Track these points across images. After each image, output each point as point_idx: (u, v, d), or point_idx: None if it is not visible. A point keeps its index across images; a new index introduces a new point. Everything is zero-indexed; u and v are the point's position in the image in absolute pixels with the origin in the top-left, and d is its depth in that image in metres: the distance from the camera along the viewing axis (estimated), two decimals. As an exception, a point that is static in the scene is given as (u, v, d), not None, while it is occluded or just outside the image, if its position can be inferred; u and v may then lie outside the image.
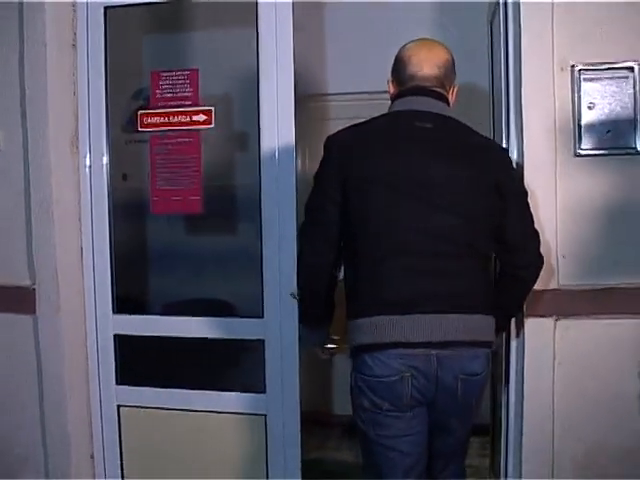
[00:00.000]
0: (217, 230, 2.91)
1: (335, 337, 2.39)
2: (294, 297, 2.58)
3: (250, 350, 2.77)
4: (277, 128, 2.63)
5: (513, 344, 2.46)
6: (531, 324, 2.38)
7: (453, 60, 2.20)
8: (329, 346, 2.39)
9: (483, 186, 2.09)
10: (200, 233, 2.93)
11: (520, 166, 2.38)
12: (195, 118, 2.70)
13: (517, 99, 2.39)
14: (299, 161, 6.77)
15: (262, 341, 2.71)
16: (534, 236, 2.18)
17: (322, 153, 2.12)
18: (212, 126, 2.70)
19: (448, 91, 2.19)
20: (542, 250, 2.19)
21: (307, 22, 4.14)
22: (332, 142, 2.12)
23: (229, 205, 2.84)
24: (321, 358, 2.45)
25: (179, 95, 2.71)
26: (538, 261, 2.18)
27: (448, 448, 2.22)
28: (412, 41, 2.22)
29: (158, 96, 2.74)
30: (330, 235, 2.10)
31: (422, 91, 2.15)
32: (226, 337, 2.75)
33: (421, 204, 2.05)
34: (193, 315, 2.80)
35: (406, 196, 2.05)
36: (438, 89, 2.16)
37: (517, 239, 2.14)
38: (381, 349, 2.02)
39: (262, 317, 2.70)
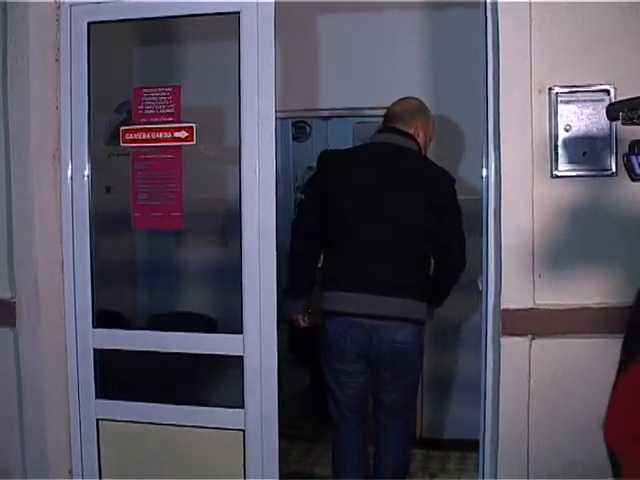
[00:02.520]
0: (198, 245, 2.98)
1: (311, 310, 3.27)
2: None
3: (229, 365, 2.82)
4: (258, 143, 2.69)
5: (489, 363, 2.54)
6: (507, 343, 2.45)
7: (421, 108, 3.20)
8: (306, 317, 3.26)
9: (424, 204, 2.99)
10: (181, 248, 3.01)
11: (498, 184, 2.49)
12: (177, 135, 2.76)
13: (495, 121, 2.48)
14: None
15: (241, 357, 2.77)
16: (461, 243, 3.04)
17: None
18: (193, 143, 2.76)
19: (412, 127, 3.13)
20: (519, 269, 2.38)
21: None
22: (320, 158, 3.16)
23: (210, 221, 2.90)
24: (301, 325, 3.29)
25: (161, 112, 2.78)
26: (463, 262, 3.05)
27: (391, 401, 3.12)
28: None
29: (140, 112, 2.80)
30: (319, 225, 3.06)
31: (391, 130, 3.14)
32: (205, 352, 2.80)
33: (373, 213, 2.99)
34: (172, 329, 2.85)
35: (362, 206, 3.00)
36: (402, 127, 3.11)
37: (448, 244, 3.04)
38: (333, 315, 3.04)
39: (241, 333, 2.76)
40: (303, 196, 3.25)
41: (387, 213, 2.99)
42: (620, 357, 1.20)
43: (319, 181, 3.13)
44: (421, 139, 3.18)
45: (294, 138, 9.15)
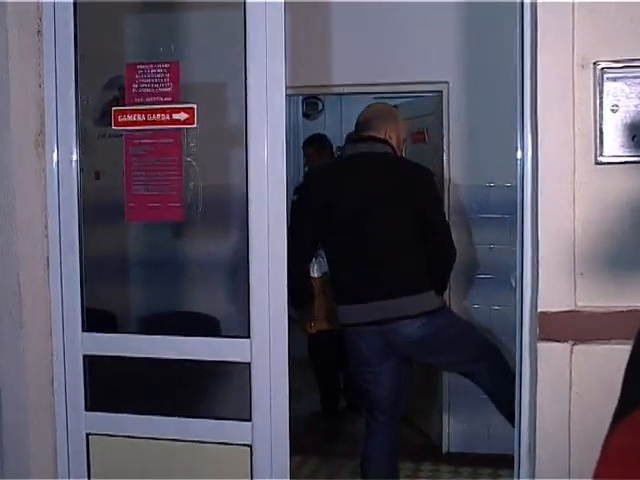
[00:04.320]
0: (200, 238, 2.99)
1: (317, 318, 4.20)
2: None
3: (235, 373, 2.84)
4: (266, 123, 2.68)
5: (525, 371, 2.54)
6: (544, 349, 2.45)
7: (389, 111, 3.89)
8: (312, 324, 4.22)
9: (408, 203, 3.56)
10: (181, 242, 3.02)
11: (534, 173, 2.49)
12: (175, 116, 2.76)
13: (532, 100, 2.47)
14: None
15: (248, 364, 2.77)
16: (448, 235, 3.66)
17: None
18: (194, 125, 2.76)
19: (381, 130, 3.72)
20: (559, 267, 2.42)
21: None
22: (306, 175, 3.94)
23: (214, 211, 2.90)
24: (309, 331, 4.33)
25: (158, 91, 2.78)
26: (453, 253, 3.67)
27: (453, 370, 4.11)
28: None
29: (134, 91, 2.81)
30: (306, 243, 3.70)
31: (358, 139, 3.80)
32: (208, 359, 2.81)
33: (361, 223, 3.56)
34: (173, 332, 2.87)
35: (355, 217, 3.58)
36: (370, 133, 3.72)
37: (439, 240, 3.61)
38: (346, 327, 3.71)
39: (248, 337, 2.76)
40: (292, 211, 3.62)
41: (376, 218, 3.58)
42: (619, 399, 1.13)
43: (307, 200, 3.74)
44: (394, 141, 3.76)
45: (305, 115, 9.17)
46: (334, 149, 6.49)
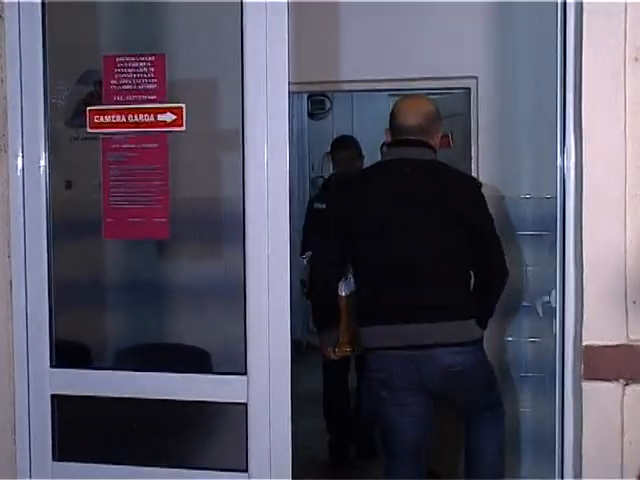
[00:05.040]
0: (189, 259, 2.98)
1: (341, 341, 4.12)
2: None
3: (229, 416, 2.84)
4: (266, 125, 2.69)
5: (567, 415, 2.53)
6: (591, 389, 2.44)
7: (438, 111, 3.85)
8: (343, 349, 4.14)
9: (456, 217, 3.59)
10: (167, 263, 3.02)
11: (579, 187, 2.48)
12: (161, 118, 2.77)
13: (576, 99, 2.48)
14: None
15: (244, 405, 2.76)
16: (501, 254, 3.65)
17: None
18: (182, 128, 2.76)
19: (432, 137, 3.76)
20: (607, 293, 2.42)
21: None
22: (339, 182, 4.18)
23: (205, 228, 2.90)
24: (331, 357, 4.20)
25: (140, 87, 2.78)
26: (505, 274, 3.68)
27: (466, 410, 3.84)
28: (401, 97, 4.03)
29: (113, 87, 2.81)
30: (335, 258, 3.75)
31: (406, 142, 3.74)
32: (197, 399, 2.80)
33: (403, 238, 3.59)
34: (156, 368, 2.86)
35: (390, 232, 3.61)
36: (420, 137, 3.72)
37: (488, 258, 3.65)
38: (375, 351, 3.66)
39: (245, 374, 2.76)
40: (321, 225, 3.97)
41: (419, 234, 3.62)
42: None
43: (338, 210, 3.77)
44: (436, 143, 3.81)
45: (310, 115, 9.19)
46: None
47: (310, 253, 4.72)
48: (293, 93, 3.71)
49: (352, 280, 4.12)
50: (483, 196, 3.71)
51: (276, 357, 2.75)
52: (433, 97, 5.47)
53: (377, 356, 3.67)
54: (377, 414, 3.79)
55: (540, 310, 3.47)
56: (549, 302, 3.39)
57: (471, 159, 4.75)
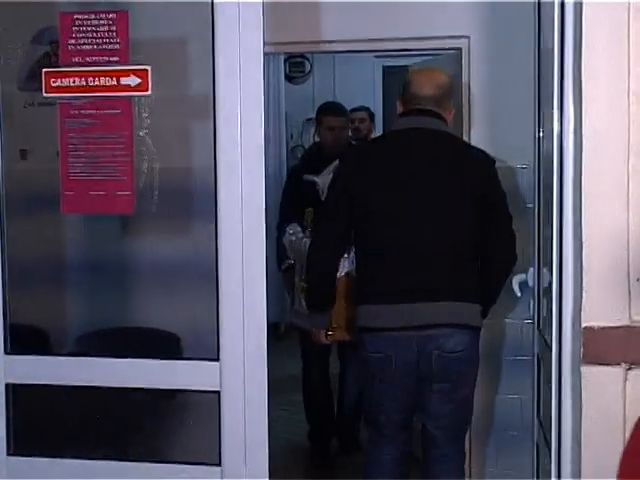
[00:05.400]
0: (156, 236, 2.97)
1: (335, 325, 4.16)
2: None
3: (200, 405, 2.85)
4: (239, 88, 2.68)
5: (565, 401, 2.55)
6: (591, 374, 2.47)
7: (451, 84, 3.95)
8: (330, 332, 4.20)
9: (468, 195, 3.65)
10: (132, 240, 3.01)
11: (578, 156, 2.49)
12: (124, 81, 2.74)
13: (575, 57, 2.47)
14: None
15: (217, 393, 2.77)
16: (512, 235, 3.70)
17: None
18: (148, 93, 2.74)
19: (445, 109, 3.81)
20: (608, 271, 2.43)
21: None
22: (344, 158, 4.03)
23: (173, 202, 2.89)
24: (323, 342, 4.31)
25: (102, 48, 2.75)
26: (515, 256, 3.69)
27: (443, 418, 3.75)
28: (416, 67, 4.09)
29: (71, 48, 2.78)
30: (340, 233, 3.78)
31: (421, 111, 3.77)
32: (166, 387, 2.81)
33: (411, 213, 3.66)
34: (120, 354, 2.85)
35: (404, 211, 3.67)
36: (435, 109, 3.77)
37: (499, 237, 3.70)
38: (371, 331, 3.69)
39: (217, 359, 2.76)
40: (325, 197, 3.97)
41: (428, 209, 3.68)
42: None
43: (344, 182, 3.79)
44: (449, 119, 3.88)
45: (288, 79, 9.15)
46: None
47: (297, 228, 4.75)
48: (269, 54, 3.69)
49: (349, 259, 4.19)
50: (497, 174, 3.77)
51: (251, 341, 2.75)
52: (422, 59, 5.49)
53: (375, 337, 3.69)
54: (368, 393, 3.86)
55: (517, 289, 3.50)
56: (526, 281, 3.44)
57: (462, 124, 4.74)
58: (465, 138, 4.65)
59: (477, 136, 4.65)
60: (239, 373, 2.76)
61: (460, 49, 4.76)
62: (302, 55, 8.74)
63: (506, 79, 4.58)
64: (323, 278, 3.92)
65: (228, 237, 2.73)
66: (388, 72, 8.87)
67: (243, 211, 2.72)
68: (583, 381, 2.47)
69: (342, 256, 4.02)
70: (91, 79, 2.78)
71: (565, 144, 2.62)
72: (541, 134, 3.26)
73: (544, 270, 3.31)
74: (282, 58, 8.69)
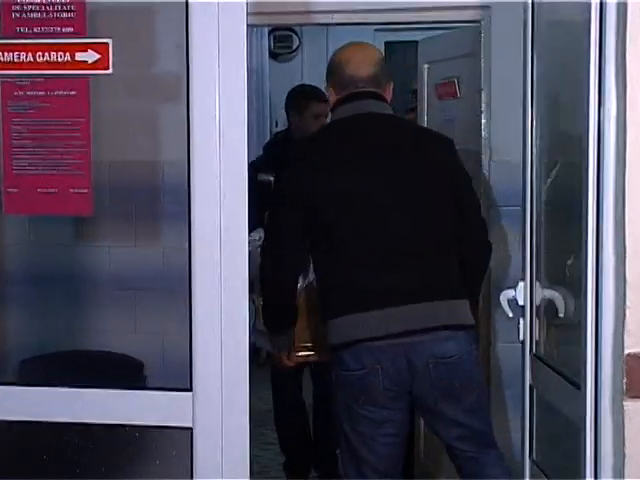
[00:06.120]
0: (117, 241, 2.98)
1: (306, 344, 4.30)
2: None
3: (169, 444, 2.83)
4: (218, 69, 2.67)
5: (605, 439, 2.56)
6: (636, 410, 2.46)
7: (384, 59, 4.16)
8: (300, 354, 4.35)
9: (440, 180, 3.86)
10: (89, 246, 3.01)
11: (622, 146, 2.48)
12: (80, 57, 2.73)
13: (620, 30, 2.49)
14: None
15: (189, 430, 2.76)
16: (483, 220, 4.07)
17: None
18: (109, 71, 2.72)
19: (384, 89, 3.99)
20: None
21: None
22: (293, 158, 4.20)
23: (139, 201, 2.90)
24: (287, 365, 4.35)
25: (53, 17, 2.74)
26: (488, 246, 4.05)
27: (457, 439, 3.81)
28: (344, 45, 4.16)
29: (15, 15, 2.77)
30: (297, 245, 3.83)
31: (362, 95, 3.92)
32: (127, 423, 2.79)
33: (383, 212, 3.76)
34: (72, 382, 2.83)
35: (368, 205, 3.77)
36: (375, 90, 3.94)
37: (472, 223, 3.96)
38: (351, 345, 3.66)
39: (190, 389, 2.74)
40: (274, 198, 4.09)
41: (400, 206, 3.80)
42: None
43: (299, 183, 3.86)
44: (389, 96, 4.04)
45: (273, 56, 9.18)
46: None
47: (258, 235, 4.74)
48: (250, 26, 3.68)
49: (308, 269, 4.23)
50: (458, 154, 4.02)
51: (231, 368, 2.74)
52: (434, 34, 5.49)
53: (354, 351, 3.67)
54: (344, 425, 3.82)
55: (508, 309, 3.48)
56: (515, 298, 3.43)
57: (482, 113, 4.75)
58: (484, 134, 4.68)
59: (498, 133, 4.66)
60: (216, 406, 2.75)
61: (479, 22, 4.76)
62: (289, 28, 8.75)
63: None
64: (283, 296, 3.99)
65: (204, 243, 2.72)
66: (391, 48, 8.89)
67: (222, 212, 2.71)
68: (626, 418, 2.46)
69: (302, 270, 4.12)
70: (40, 54, 2.76)
71: (607, 132, 2.61)
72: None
73: (537, 284, 3.35)
74: (266, 31, 8.71)
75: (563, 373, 3.04)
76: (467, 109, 4.96)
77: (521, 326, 3.43)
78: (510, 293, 3.42)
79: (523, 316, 3.43)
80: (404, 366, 3.65)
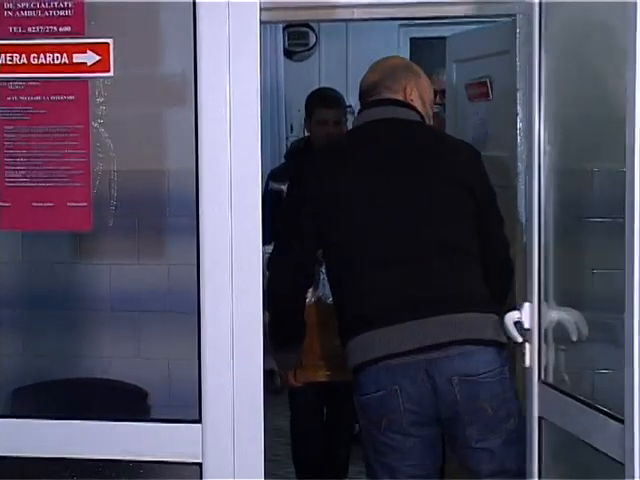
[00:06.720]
0: (119, 259, 2.99)
1: (309, 365, 4.45)
2: None
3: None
4: (229, 70, 2.70)
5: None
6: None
7: (407, 64, 4.34)
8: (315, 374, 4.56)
9: (454, 188, 3.85)
10: (88, 264, 3.02)
11: None
12: (79, 58, 2.76)
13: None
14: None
15: (199, 465, 2.77)
16: (504, 238, 4.02)
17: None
18: (110, 74, 2.76)
19: (398, 91, 4.05)
20: None
21: None
22: (306, 170, 4.15)
23: (142, 216, 2.91)
24: (292, 385, 4.57)
25: (49, 15, 2.77)
26: (507, 262, 4.02)
27: (488, 469, 3.65)
28: None
29: (8, 14, 2.80)
30: (306, 257, 3.91)
31: (376, 102, 4.04)
32: (131, 458, 2.80)
33: (392, 216, 3.80)
34: (70, 414, 2.85)
35: (378, 209, 3.81)
36: (390, 95, 4.04)
37: (490, 235, 3.93)
38: (369, 366, 3.62)
39: (199, 421, 2.76)
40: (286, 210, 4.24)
41: (422, 215, 3.85)
42: None
43: (309, 193, 3.93)
44: (419, 105, 4.07)
45: (287, 54, 9.19)
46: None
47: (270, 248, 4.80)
48: (264, 23, 3.70)
49: (321, 283, 4.40)
50: (482, 165, 3.99)
51: (244, 397, 2.76)
52: (465, 29, 5.50)
53: (371, 372, 3.62)
54: (368, 453, 3.78)
55: (516, 333, 3.43)
56: (521, 321, 3.41)
57: (517, 116, 4.75)
58: (519, 138, 4.68)
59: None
60: (227, 439, 2.77)
61: (515, 16, 4.77)
62: (306, 24, 8.78)
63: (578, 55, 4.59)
64: (291, 311, 4.03)
65: (213, 261, 2.74)
66: (416, 45, 8.90)
67: (233, 227, 2.73)
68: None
69: (312, 283, 4.22)
70: (35, 55, 2.79)
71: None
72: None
73: (545, 305, 3.31)
74: (280, 28, 8.74)
75: (592, 404, 3.00)
76: (500, 112, 4.96)
77: (527, 351, 3.39)
78: (515, 315, 3.38)
79: (529, 340, 3.41)
80: (426, 385, 3.58)
